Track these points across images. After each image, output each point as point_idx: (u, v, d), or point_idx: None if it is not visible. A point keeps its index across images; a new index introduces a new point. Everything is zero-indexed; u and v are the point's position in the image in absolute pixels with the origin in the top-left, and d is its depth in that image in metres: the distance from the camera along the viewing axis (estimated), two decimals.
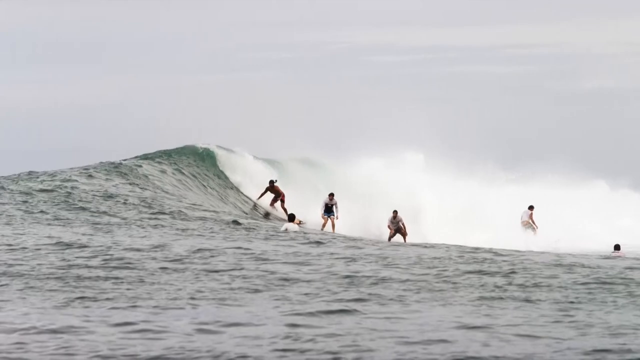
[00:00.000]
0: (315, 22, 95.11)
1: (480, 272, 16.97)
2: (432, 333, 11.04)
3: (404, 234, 37.35)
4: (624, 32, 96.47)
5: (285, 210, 38.37)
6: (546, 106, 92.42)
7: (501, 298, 14.18)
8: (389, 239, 35.88)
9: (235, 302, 13.41)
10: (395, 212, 38.23)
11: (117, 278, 15.45)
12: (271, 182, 39.48)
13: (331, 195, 38.13)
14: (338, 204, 37.90)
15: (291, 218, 29.46)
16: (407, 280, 15.82)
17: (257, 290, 14.45)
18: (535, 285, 15.44)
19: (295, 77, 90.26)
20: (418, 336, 10.90)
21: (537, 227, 43.45)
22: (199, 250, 19.16)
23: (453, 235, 36.53)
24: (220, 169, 44.01)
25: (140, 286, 14.75)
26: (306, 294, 14.27)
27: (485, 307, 13.34)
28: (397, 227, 37.91)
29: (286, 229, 28.06)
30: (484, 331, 11.27)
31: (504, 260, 18.65)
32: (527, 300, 13.98)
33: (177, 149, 43.52)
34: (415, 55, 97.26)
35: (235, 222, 28.46)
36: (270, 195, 39.21)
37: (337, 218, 37.59)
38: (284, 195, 39.07)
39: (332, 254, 19.22)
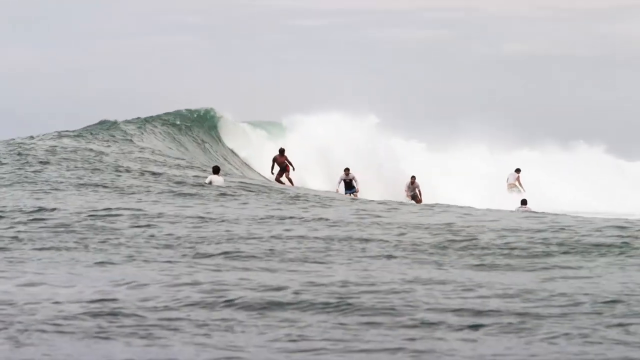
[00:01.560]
0: None
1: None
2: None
3: (419, 201, 36.00)
4: None
5: (290, 180, 36.70)
6: (467, 70, 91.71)
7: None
8: None
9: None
10: (413, 177, 37.35)
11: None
12: (281, 150, 37.34)
13: (347, 170, 36.04)
14: (356, 177, 36.04)
15: (216, 170, 27.42)
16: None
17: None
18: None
19: (213, 40, 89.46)
20: None
21: (524, 190, 42.80)
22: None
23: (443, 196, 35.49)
24: (222, 137, 42.98)
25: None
26: None
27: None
28: (413, 193, 36.89)
29: (210, 182, 26.38)
30: None
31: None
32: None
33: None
34: (333, 19, 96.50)
35: None
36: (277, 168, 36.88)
37: (358, 191, 35.46)
38: (289, 166, 36.99)
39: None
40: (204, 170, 29.96)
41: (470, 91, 79.56)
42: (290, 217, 17.97)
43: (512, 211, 24.35)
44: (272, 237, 15.36)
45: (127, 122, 38.67)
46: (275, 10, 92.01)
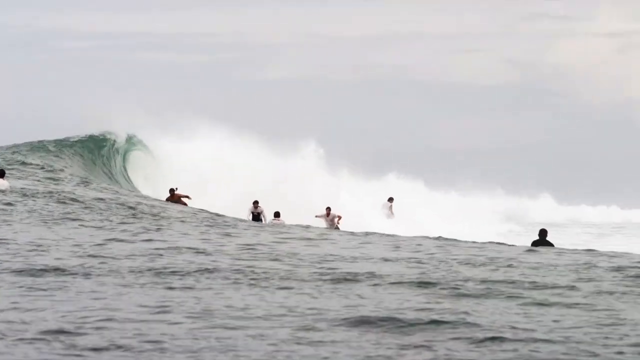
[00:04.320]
0: None
1: None
2: None
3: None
4: (307, 22, 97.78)
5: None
6: (232, 96, 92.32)
7: None
8: None
9: None
10: (328, 209, 35.98)
11: None
12: (171, 190, 36.88)
13: (255, 202, 35.54)
14: (265, 211, 35.23)
15: (1, 174, 27.43)
16: None
17: None
18: None
19: None
20: None
21: (395, 217, 43.83)
22: None
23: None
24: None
25: None
26: None
27: None
28: (330, 225, 35.64)
29: None
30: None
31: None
32: None
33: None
34: (97, 41, 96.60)
35: None
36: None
37: None
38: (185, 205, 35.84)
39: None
40: None
41: (241, 114, 79.95)
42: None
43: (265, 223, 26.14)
44: None
45: None
46: (41, 31, 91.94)
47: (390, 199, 44.88)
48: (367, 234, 22.85)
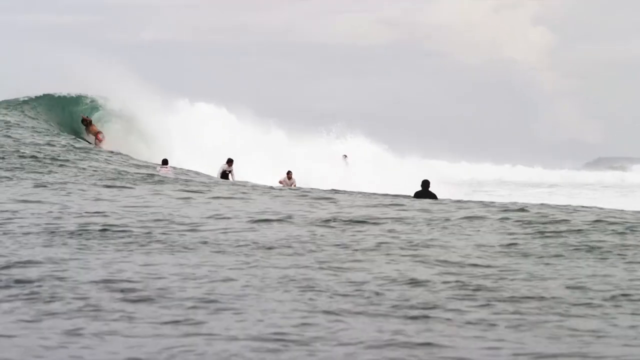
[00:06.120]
0: None
1: None
2: None
3: None
4: None
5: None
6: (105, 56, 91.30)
7: None
8: None
9: None
10: (289, 172, 35.77)
11: None
12: (83, 120, 40.22)
13: (230, 161, 35.03)
14: (234, 171, 34.88)
15: None
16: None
17: None
18: None
19: None
20: None
21: (353, 172, 43.95)
22: None
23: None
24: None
25: None
26: None
27: None
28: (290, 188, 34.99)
29: None
30: None
31: None
32: None
33: None
34: None
35: None
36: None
37: None
38: (99, 134, 39.39)
39: None
40: None
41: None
42: None
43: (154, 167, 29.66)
44: None
45: None
46: None
47: (345, 156, 44.77)
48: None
